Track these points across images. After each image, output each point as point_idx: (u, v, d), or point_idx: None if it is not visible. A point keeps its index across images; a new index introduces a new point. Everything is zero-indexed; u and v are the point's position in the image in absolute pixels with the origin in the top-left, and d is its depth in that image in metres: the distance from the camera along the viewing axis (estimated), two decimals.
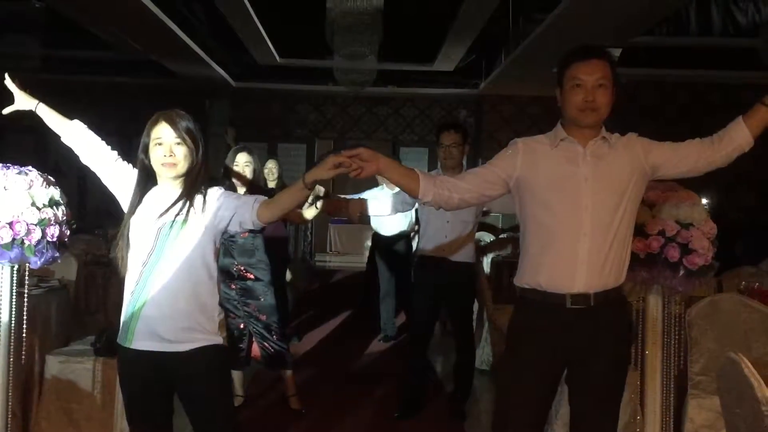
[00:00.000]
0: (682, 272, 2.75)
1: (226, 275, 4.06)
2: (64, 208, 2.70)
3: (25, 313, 2.84)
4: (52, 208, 2.63)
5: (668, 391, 3.04)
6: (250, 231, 3.62)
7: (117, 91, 11.26)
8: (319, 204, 3.84)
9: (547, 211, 2.40)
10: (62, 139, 2.57)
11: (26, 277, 2.82)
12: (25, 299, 3.02)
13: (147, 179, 2.41)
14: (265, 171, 5.17)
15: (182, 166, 2.35)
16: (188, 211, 2.33)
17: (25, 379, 3.48)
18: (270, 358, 4.24)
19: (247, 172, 4.13)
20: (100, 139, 2.55)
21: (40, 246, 2.58)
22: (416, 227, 6.10)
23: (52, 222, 2.61)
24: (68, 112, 2.61)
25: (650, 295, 2.94)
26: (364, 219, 4.59)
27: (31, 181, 2.61)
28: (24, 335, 2.80)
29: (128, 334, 2.35)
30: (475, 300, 4.80)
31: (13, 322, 2.70)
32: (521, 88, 10.62)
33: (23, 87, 2.63)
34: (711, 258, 2.78)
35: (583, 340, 2.41)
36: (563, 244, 2.38)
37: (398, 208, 3.88)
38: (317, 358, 5.88)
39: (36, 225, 2.56)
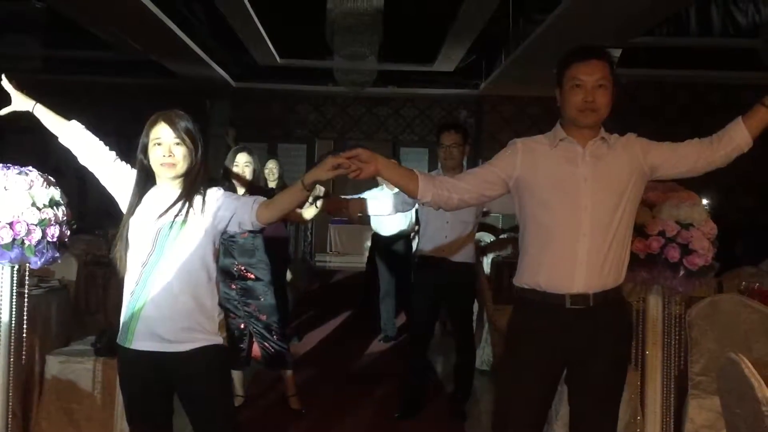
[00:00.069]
0: (682, 273, 2.75)
1: (226, 275, 4.06)
2: (64, 209, 2.70)
3: (25, 313, 2.84)
4: (52, 208, 2.64)
5: (668, 392, 3.04)
6: (250, 231, 3.63)
7: (117, 91, 11.24)
8: (319, 203, 3.84)
9: (546, 211, 2.41)
10: (60, 140, 2.57)
11: (26, 277, 2.82)
12: (26, 299, 3.02)
13: (146, 180, 2.41)
14: (266, 171, 5.18)
15: (181, 167, 2.35)
16: (187, 211, 2.33)
17: (26, 379, 3.49)
18: (270, 358, 4.24)
19: (247, 173, 4.13)
20: (98, 139, 2.55)
21: (40, 246, 2.58)
22: (416, 227, 6.10)
23: (53, 222, 2.61)
24: (68, 113, 2.60)
25: (650, 296, 2.94)
26: (364, 219, 4.60)
27: (32, 181, 2.61)
28: (24, 335, 2.80)
29: (128, 334, 2.35)
30: (476, 300, 4.80)
31: (13, 322, 2.70)
32: (521, 89, 10.60)
33: (20, 88, 2.62)
34: (711, 258, 2.78)
35: (582, 340, 2.42)
36: (562, 245, 2.38)
37: (398, 208, 3.88)
38: (317, 358, 5.88)
39: (36, 225, 2.56)
